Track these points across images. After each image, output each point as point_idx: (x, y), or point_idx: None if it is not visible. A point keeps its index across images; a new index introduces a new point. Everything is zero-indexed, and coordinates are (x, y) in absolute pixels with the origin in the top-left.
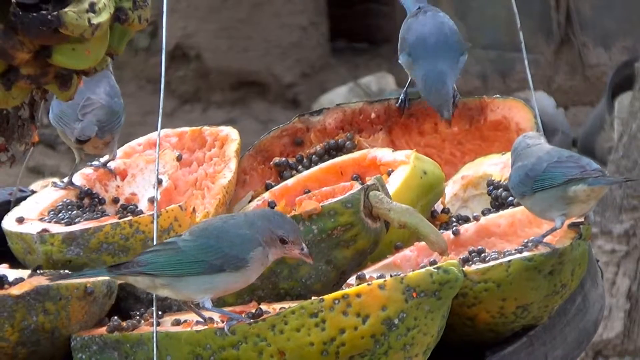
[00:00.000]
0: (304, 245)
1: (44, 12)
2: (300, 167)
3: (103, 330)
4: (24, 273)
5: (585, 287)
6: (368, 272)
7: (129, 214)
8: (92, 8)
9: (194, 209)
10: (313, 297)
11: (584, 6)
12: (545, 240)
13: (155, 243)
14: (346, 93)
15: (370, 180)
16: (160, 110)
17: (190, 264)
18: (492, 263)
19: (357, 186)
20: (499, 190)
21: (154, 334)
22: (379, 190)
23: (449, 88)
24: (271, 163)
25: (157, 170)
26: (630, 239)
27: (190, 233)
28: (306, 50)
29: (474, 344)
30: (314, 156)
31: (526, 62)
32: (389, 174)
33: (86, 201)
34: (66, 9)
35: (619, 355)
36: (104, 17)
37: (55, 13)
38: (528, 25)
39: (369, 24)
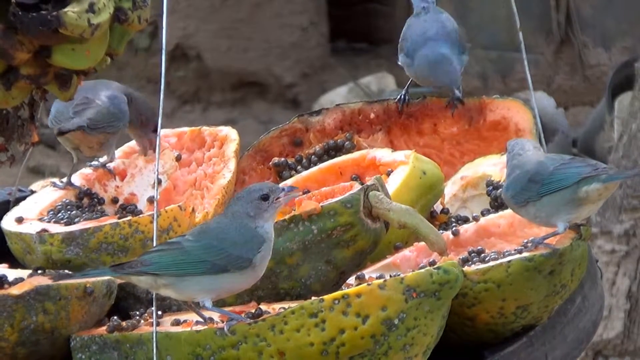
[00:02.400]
0: (284, 187)
1: (43, 12)
2: (299, 167)
3: (103, 330)
4: (24, 273)
5: (585, 287)
6: (367, 272)
7: (128, 214)
8: (91, 8)
9: (193, 209)
10: (313, 297)
11: (584, 6)
12: (545, 241)
13: (155, 243)
14: (346, 93)
15: (370, 181)
16: (160, 111)
17: (194, 264)
18: (492, 263)
19: (356, 186)
20: (498, 191)
21: (154, 334)
22: (378, 191)
23: (457, 66)
24: (270, 163)
25: (157, 170)
26: (630, 239)
27: (191, 234)
28: (306, 50)
29: (473, 344)
30: (313, 156)
31: (525, 63)
32: (388, 174)
33: (85, 201)
34: (66, 9)
35: (619, 355)
36: (103, 17)
37: (55, 13)
38: (528, 25)
39: (369, 24)
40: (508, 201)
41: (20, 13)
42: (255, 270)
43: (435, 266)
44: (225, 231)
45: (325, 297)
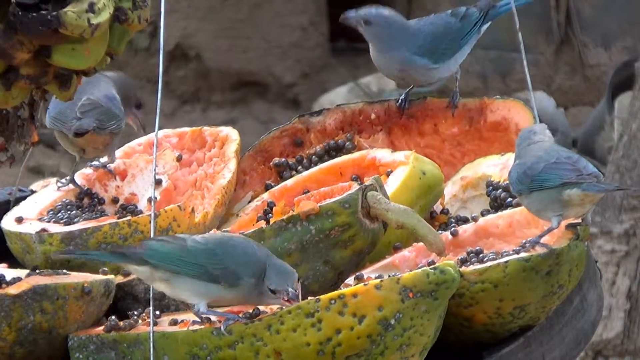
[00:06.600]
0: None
1: (43, 12)
2: (300, 167)
3: (100, 329)
4: (22, 272)
5: (583, 287)
6: (367, 272)
7: (128, 214)
8: (91, 8)
9: (192, 209)
10: (310, 297)
11: (584, 6)
12: (542, 240)
13: None
14: (346, 93)
15: (368, 181)
16: (158, 111)
17: (189, 264)
18: (489, 264)
19: (355, 186)
20: (498, 191)
21: (151, 334)
22: (377, 191)
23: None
24: (271, 163)
25: (155, 170)
26: (630, 239)
27: (202, 237)
28: (306, 50)
29: (471, 345)
30: (313, 157)
31: (525, 63)
32: (388, 174)
33: (86, 201)
34: (66, 9)
35: (619, 355)
36: (103, 17)
37: (54, 13)
38: (528, 25)
39: None
40: (510, 186)
41: (20, 13)
42: (243, 291)
43: (432, 266)
44: (238, 248)
45: (322, 297)
